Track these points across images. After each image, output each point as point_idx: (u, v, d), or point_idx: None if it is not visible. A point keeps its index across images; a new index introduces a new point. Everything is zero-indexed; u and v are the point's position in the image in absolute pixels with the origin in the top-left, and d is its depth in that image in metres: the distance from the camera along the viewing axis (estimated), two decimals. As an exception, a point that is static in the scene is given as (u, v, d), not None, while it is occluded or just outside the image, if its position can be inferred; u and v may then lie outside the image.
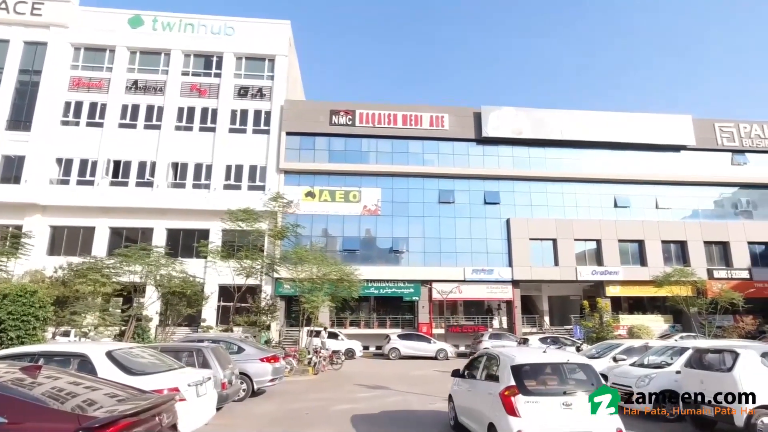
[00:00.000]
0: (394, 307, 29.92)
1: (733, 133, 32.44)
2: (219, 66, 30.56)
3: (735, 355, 7.52)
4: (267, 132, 29.73)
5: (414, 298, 28.61)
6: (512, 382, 5.97)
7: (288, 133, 29.76)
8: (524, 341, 19.49)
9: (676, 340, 16.01)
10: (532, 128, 30.88)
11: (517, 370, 6.14)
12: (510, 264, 28.96)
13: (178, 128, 29.40)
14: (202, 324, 24.39)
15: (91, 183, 27.86)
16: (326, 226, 29.45)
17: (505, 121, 30.82)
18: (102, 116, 28.97)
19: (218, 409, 8.25)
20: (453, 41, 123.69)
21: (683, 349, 9.55)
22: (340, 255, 27.51)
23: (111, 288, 17.85)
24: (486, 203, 30.19)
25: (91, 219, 27.29)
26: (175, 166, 28.89)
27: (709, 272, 29.07)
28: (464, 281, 28.43)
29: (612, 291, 29.05)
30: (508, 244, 29.37)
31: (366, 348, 25.77)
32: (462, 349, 26.29)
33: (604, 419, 5.76)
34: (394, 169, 29.90)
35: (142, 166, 28.50)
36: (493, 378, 6.61)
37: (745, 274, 29.58)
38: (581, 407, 5.77)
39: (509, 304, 29.25)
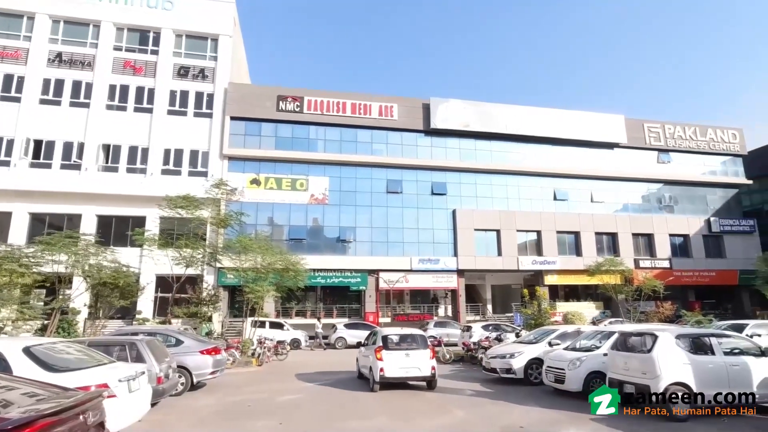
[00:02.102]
0: (341, 297, 29.89)
1: (659, 133, 35.09)
2: (156, 43, 28.61)
3: (654, 338, 8.19)
4: (210, 116, 28.34)
5: (361, 288, 28.71)
6: (381, 344, 10.93)
7: (232, 118, 28.58)
8: (468, 329, 20.13)
9: (605, 325, 17.16)
10: (479, 121, 31.68)
11: (384, 338, 11.11)
12: (455, 254, 29.75)
13: (109, 107, 27.32)
14: (137, 316, 23.10)
15: (6, 164, 25.31)
16: (272, 214, 28.74)
17: (453, 113, 31.38)
18: (19, 90, 26.29)
19: (154, 404, 7.97)
20: (404, 29, 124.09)
21: (610, 333, 10.23)
22: (287, 244, 27.01)
23: (31, 279, 16.43)
24: (433, 194, 30.72)
25: (6, 203, 24.80)
26: (106, 148, 26.87)
27: (636, 262, 31.47)
28: (411, 271, 28.87)
29: (550, 280, 30.70)
30: (454, 235, 30.13)
31: (312, 338, 25.57)
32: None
33: (426, 362, 10.76)
34: (342, 158, 29.62)
35: (67, 147, 26.26)
36: (374, 343, 11.36)
37: (666, 264, 32.32)
38: (414, 356, 10.78)
39: (454, 292, 30.10)
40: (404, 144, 31.02)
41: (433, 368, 10.76)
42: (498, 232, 30.64)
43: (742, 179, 36.06)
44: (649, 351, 8.03)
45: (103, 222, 25.98)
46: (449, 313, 30.76)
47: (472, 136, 31.85)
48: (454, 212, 30.48)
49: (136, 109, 27.62)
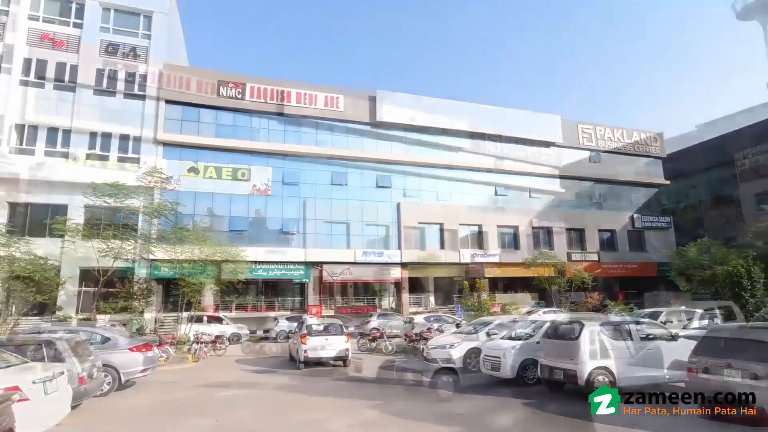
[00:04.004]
0: (284, 290, 29.28)
1: (591, 134, 37.38)
2: (80, 15, 26.15)
3: (581, 326, 8.78)
4: (142, 98, 26.42)
5: (304, 281, 28.26)
6: (305, 332, 13.41)
7: (168, 102, 26.88)
8: (410, 320, 20.45)
9: (539, 315, 18.07)
10: (424, 116, 32.03)
11: (308, 326, 13.69)
12: (399, 246, 30.04)
13: (24, 83, 24.72)
14: (57, 313, 21.29)
15: None
16: (212, 204, 27.50)
17: (399, 107, 31.51)
18: None
19: (76, 406, 7.43)
20: (353, 20, 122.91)
21: (543, 323, 10.85)
22: (227, 236, 26.02)
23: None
24: (378, 187, 30.78)
25: None
26: (20, 127, 24.32)
27: (569, 255, 33.28)
28: (355, 263, 28.79)
29: (490, 272, 31.68)
30: (398, 228, 30.39)
31: (253, 332, 24.91)
32: (351, 329, 26.75)
33: (341, 345, 13.29)
34: (286, 149, 28.86)
35: (-28, 125, 23.53)
36: (300, 330, 13.84)
37: (595, 257, 34.52)
38: (332, 340, 13.30)
39: (398, 285, 30.44)
40: (350, 136, 30.79)
41: (347, 350, 13.41)
42: (441, 225, 31.29)
43: (661, 180, 39.27)
44: (576, 338, 8.58)
45: (16, 210, 23.61)
46: (393, 305, 31.07)
47: (418, 130, 32.16)
48: (398, 205, 30.74)
49: (57, 87, 25.20)
